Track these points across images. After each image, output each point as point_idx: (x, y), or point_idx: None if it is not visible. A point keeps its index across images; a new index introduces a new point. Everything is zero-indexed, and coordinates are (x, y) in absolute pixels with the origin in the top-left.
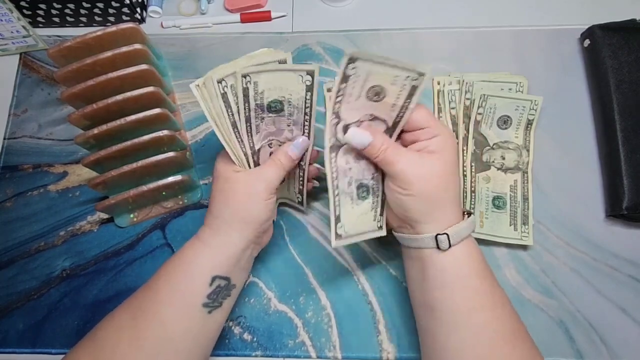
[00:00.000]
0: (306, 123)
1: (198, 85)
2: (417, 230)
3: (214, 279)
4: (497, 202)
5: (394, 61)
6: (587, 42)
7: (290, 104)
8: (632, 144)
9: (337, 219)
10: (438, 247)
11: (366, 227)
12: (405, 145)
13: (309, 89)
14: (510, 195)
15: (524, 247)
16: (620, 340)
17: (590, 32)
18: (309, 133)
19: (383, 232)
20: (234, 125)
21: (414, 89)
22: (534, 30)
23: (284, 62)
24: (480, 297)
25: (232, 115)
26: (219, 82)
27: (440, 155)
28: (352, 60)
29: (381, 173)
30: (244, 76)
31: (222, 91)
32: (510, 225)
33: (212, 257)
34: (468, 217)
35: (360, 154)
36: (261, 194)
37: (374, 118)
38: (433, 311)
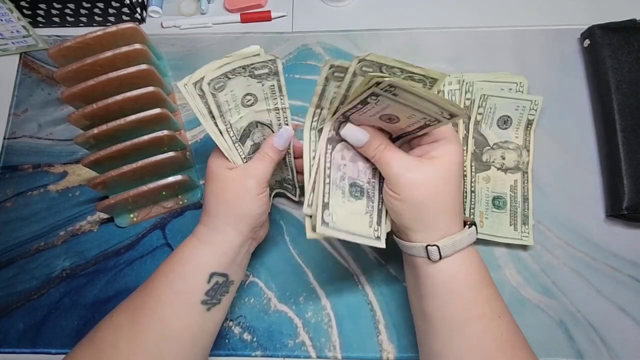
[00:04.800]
0: (283, 112)
1: (186, 85)
2: (409, 237)
3: (211, 275)
4: (497, 202)
5: (418, 103)
6: (587, 42)
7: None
8: (632, 144)
9: (325, 206)
10: (429, 258)
11: (359, 230)
12: (410, 146)
13: (274, 74)
14: (510, 195)
15: (524, 247)
16: (620, 340)
17: (590, 32)
18: (287, 122)
19: (381, 244)
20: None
21: (426, 126)
22: (534, 30)
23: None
24: (476, 307)
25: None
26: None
27: (441, 162)
28: (374, 94)
29: (380, 180)
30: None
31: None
32: (510, 225)
33: (209, 254)
34: (469, 227)
35: (358, 155)
36: (253, 190)
37: (381, 130)
38: (429, 319)
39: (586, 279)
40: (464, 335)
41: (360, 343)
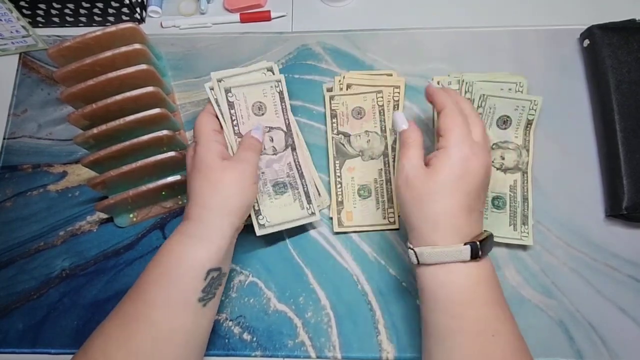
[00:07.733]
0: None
1: (212, 89)
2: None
3: (208, 272)
4: (497, 202)
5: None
6: (586, 42)
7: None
8: (632, 144)
9: (258, 212)
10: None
11: (293, 216)
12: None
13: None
14: (509, 195)
15: (524, 247)
16: (620, 340)
17: (590, 32)
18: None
19: (316, 218)
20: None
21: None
22: (534, 30)
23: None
24: (462, 322)
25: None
26: (219, 80)
27: (435, 172)
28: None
29: (296, 167)
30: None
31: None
32: (510, 225)
33: (204, 251)
34: (465, 245)
35: (271, 160)
36: (250, 178)
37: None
38: (422, 320)
39: (586, 279)
40: (444, 346)
41: (360, 343)
